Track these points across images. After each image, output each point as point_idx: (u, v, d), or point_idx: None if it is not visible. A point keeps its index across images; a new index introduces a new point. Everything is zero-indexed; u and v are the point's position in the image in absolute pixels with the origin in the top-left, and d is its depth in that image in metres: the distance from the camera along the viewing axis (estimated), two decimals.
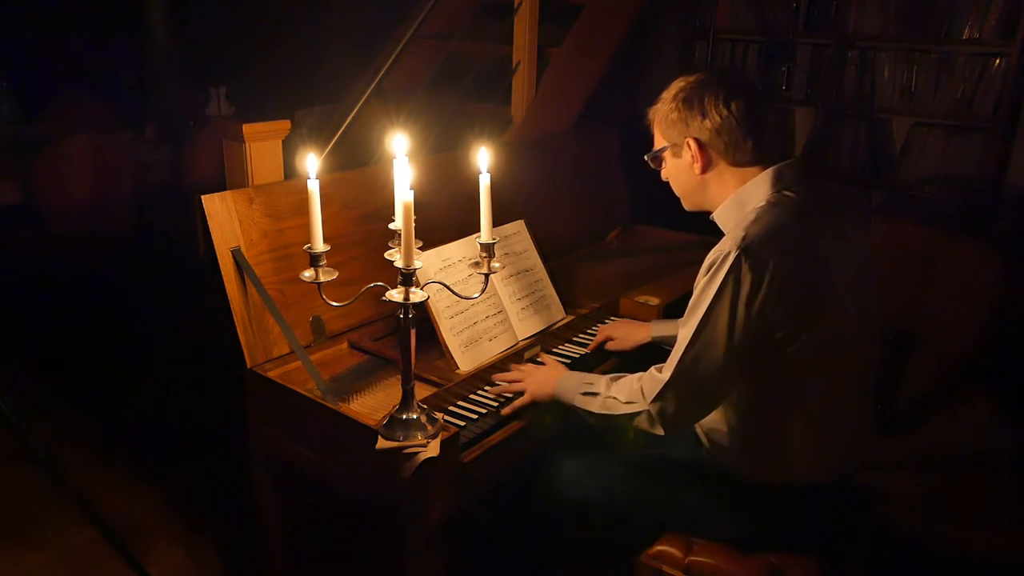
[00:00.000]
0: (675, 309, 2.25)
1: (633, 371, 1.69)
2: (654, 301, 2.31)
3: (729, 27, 4.17)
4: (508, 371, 1.94)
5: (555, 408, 1.79)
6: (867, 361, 1.65)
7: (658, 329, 2.07)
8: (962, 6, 3.55)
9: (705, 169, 1.65)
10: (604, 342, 2.13)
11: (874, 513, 1.82)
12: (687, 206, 1.77)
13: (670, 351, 1.71)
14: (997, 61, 3.49)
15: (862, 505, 1.77)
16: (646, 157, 1.77)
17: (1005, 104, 3.48)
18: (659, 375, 1.58)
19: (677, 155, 1.70)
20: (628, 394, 1.63)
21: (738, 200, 1.62)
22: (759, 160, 1.63)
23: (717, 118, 1.61)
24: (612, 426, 1.67)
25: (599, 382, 1.70)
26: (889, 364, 1.73)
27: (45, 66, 4.79)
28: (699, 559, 1.66)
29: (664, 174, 1.77)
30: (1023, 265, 3.32)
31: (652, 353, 2.04)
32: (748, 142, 1.62)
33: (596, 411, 1.67)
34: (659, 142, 1.74)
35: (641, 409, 1.59)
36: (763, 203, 1.57)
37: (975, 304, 3.16)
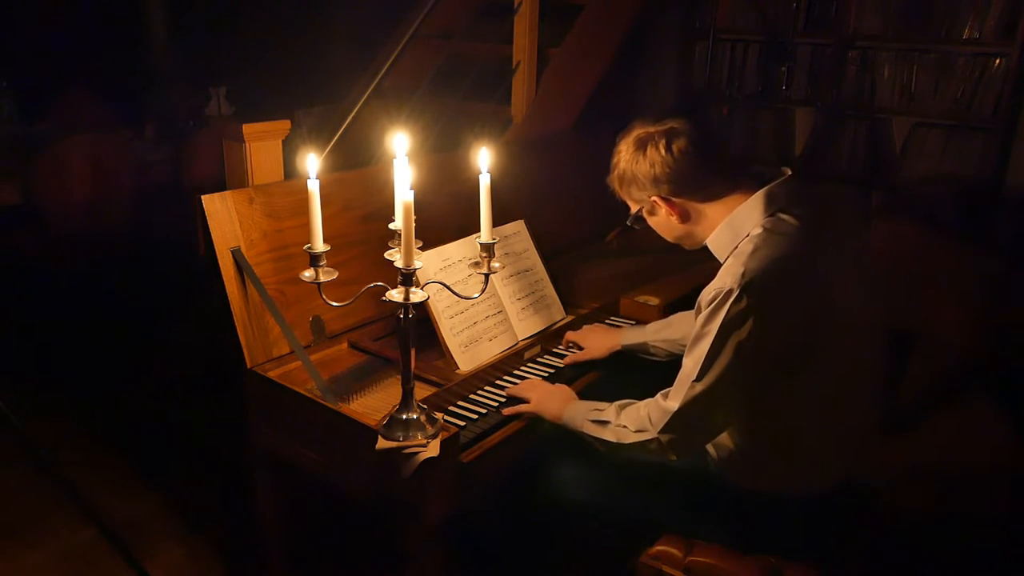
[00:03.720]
0: (675, 309, 2.25)
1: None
2: (654, 301, 2.31)
3: (729, 27, 4.17)
4: (515, 379, 1.95)
5: (574, 376, 1.82)
6: (872, 371, 1.64)
7: (628, 337, 2.05)
8: (962, 6, 3.54)
9: (684, 218, 1.63)
10: (572, 344, 2.12)
11: (872, 515, 1.82)
12: (688, 247, 1.74)
13: (641, 358, 1.68)
14: (997, 61, 3.49)
15: (860, 508, 1.77)
16: (628, 223, 1.76)
17: (1005, 104, 3.48)
18: (665, 404, 1.56)
19: (652, 212, 1.68)
20: (637, 422, 1.61)
21: (731, 226, 1.58)
22: (737, 186, 1.59)
23: (666, 167, 1.58)
24: (621, 454, 1.65)
25: (608, 410, 1.68)
26: (888, 365, 1.74)
27: (45, 66, 4.79)
28: (699, 559, 1.66)
29: (650, 224, 1.75)
30: (1023, 265, 3.32)
31: (628, 362, 2.05)
32: (712, 174, 1.59)
33: (607, 439, 1.65)
34: (632, 205, 1.73)
35: (651, 438, 1.58)
36: (759, 230, 1.52)
37: (975, 305, 3.17)
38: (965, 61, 3.57)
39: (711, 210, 1.61)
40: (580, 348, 2.09)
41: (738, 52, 4.18)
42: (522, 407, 1.81)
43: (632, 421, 1.62)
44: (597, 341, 2.07)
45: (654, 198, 1.63)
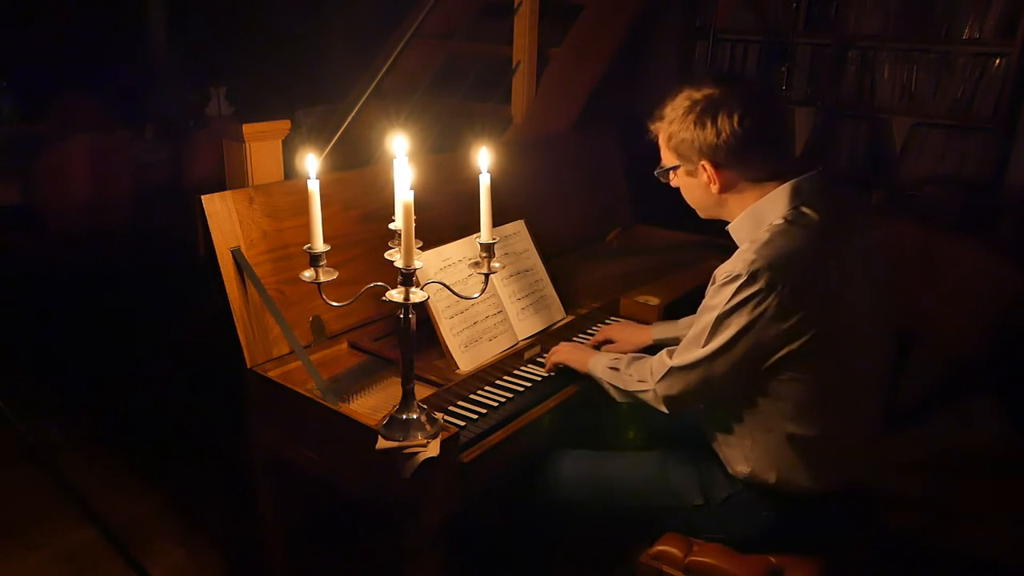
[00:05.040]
0: (675, 309, 2.25)
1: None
2: (654, 301, 2.31)
3: (729, 27, 4.18)
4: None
5: (575, 376, 1.90)
6: (878, 371, 1.65)
7: (659, 332, 2.06)
8: (962, 6, 3.55)
9: (724, 189, 1.62)
10: (603, 342, 2.13)
11: (874, 514, 1.82)
12: (703, 216, 1.74)
13: None
14: (997, 61, 3.49)
15: (862, 506, 1.77)
16: (656, 173, 1.73)
17: (1005, 104, 3.48)
18: (667, 360, 1.63)
19: (691, 175, 1.65)
20: (640, 373, 1.69)
21: (754, 214, 1.59)
22: (778, 174, 1.59)
23: (732, 139, 1.55)
24: (632, 401, 1.73)
25: (622, 359, 1.77)
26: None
27: (45, 66, 4.79)
28: (699, 559, 1.66)
29: (674, 184, 1.72)
30: (1023, 265, 3.32)
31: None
32: (766, 158, 1.58)
33: (617, 384, 1.75)
34: (668, 159, 1.68)
35: (649, 388, 1.65)
36: (779, 221, 1.53)
37: (975, 304, 3.16)
38: (965, 61, 3.58)
39: (749, 190, 1.60)
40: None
41: (738, 52, 4.19)
42: (553, 357, 1.96)
43: (637, 371, 1.71)
44: (627, 335, 2.10)
45: (704, 163, 1.60)
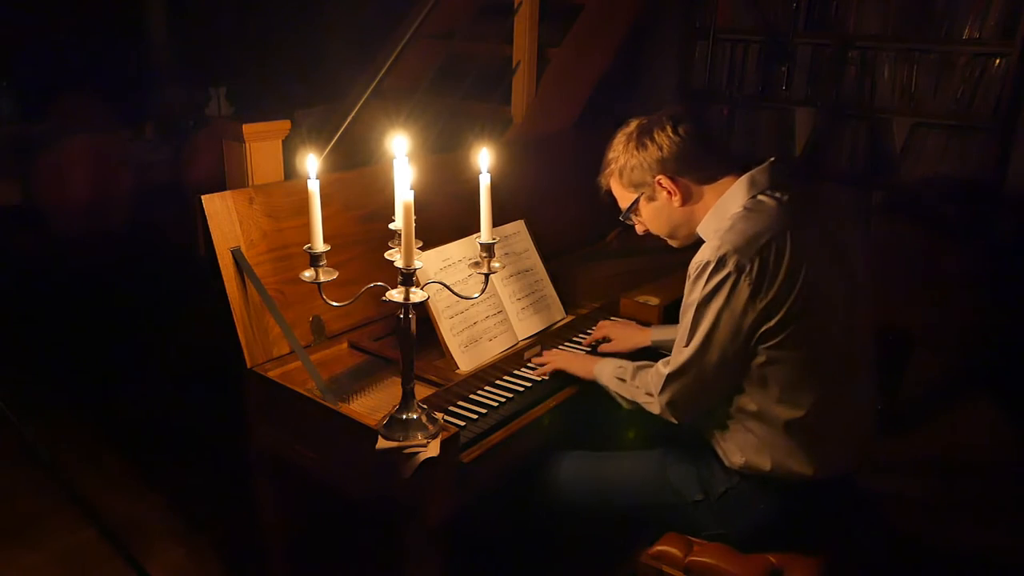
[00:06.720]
0: (675, 309, 2.24)
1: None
2: (654, 301, 2.31)
3: (729, 27, 4.17)
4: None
5: (575, 376, 1.89)
6: (862, 357, 1.66)
7: (658, 334, 2.07)
8: (962, 6, 3.55)
9: (686, 200, 1.70)
10: (601, 341, 2.13)
11: (875, 513, 1.82)
12: (679, 243, 1.79)
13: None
14: (997, 61, 3.49)
15: (862, 505, 1.77)
16: (621, 218, 1.82)
17: (1005, 104, 3.48)
18: (662, 369, 1.65)
19: (652, 198, 1.73)
20: (645, 385, 1.70)
21: (717, 211, 1.66)
22: (729, 169, 1.67)
23: (675, 147, 1.66)
24: (642, 411, 1.73)
25: (628, 369, 1.77)
26: (889, 364, 1.74)
27: (45, 66, 4.79)
28: (699, 559, 1.66)
29: (641, 227, 1.81)
30: (1023, 266, 3.32)
31: (649, 357, 2.03)
32: (711, 155, 1.68)
33: (623, 395, 1.75)
34: (627, 197, 1.78)
35: (654, 400, 1.67)
36: (739, 210, 1.61)
37: (974, 304, 3.17)
38: (965, 61, 3.58)
39: (707, 192, 1.69)
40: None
41: (738, 52, 4.18)
42: (551, 364, 1.94)
43: (643, 383, 1.72)
44: (626, 335, 2.11)
45: (659, 178, 1.68)
